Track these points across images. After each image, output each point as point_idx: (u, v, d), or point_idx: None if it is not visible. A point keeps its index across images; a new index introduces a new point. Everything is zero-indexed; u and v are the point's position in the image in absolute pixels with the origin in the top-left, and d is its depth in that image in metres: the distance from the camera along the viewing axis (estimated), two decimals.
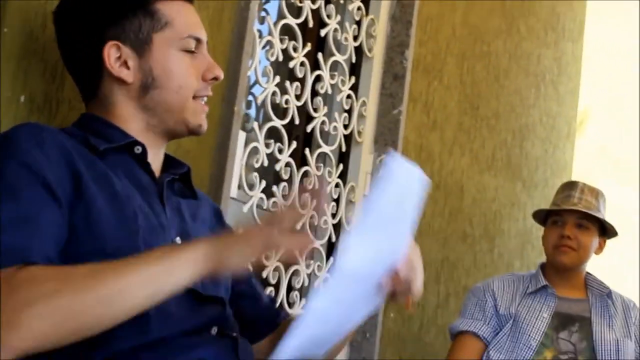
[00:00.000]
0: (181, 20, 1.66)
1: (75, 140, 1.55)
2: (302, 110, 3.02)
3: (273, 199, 2.84)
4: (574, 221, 3.05)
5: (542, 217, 3.19)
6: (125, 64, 1.63)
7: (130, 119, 1.65)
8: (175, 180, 1.71)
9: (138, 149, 1.62)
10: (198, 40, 1.68)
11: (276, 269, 2.86)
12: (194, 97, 1.67)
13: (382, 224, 1.46)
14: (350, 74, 3.28)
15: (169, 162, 1.73)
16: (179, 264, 1.36)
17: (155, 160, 1.68)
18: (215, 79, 1.69)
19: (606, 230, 3.10)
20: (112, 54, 1.63)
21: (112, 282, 1.32)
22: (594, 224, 3.07)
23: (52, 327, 1.28)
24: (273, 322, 1.85)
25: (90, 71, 1.65)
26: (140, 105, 1.65)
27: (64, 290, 1.29)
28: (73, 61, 1.70)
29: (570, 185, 3.14)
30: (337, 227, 3.24)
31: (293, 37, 2.94)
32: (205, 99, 1.70)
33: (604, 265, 3.66)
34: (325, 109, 3.12)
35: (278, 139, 2.89)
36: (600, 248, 3.12)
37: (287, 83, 2.92)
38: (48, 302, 1.28)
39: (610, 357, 2.96)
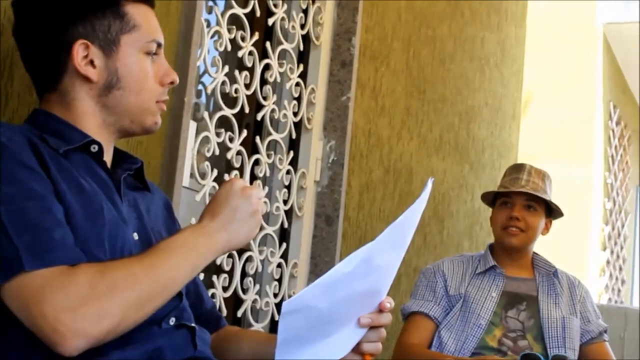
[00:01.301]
0: (147, 24, 1.69)
1: (36, 139, 1.56)
2: (252, 98, 3.04)
3: None
4: (522, 203, 3.11)
5: (490, 198, 3.24)
6: (91, 62, 1.65)
7: (87, 116, 1.66)
8: (129, 175, 1.73)
9: (94, 148, 1.63)
10: (159, 45, 1.72)
11: (229, 255, 2.88)
12: (156, 102, 1.71)
13: (399, 243, 1.58)
14: (299, 62, 3.31)
15: (120, 156, 1.75)
16: (205, 256, 1.53)
17: (108, 156, 1.70)
18: (172, 83, 1.73)
19: (552, 211, 3.17)
20: (80, 52, 1.64)
21: (165, 273, 1.46)
22: (541, 205, 3.13)
23: (126, 316, 1.40)
24: (215, 325, 1.89)
25: (53, 65, 1.66)
26: (100, 103, 1.66)
27: (138, 281, 1.41)
28: (34, 53, 1.69)
29: (518, 168, 3.19)
30: (289, 214, 3.27)
31: (241, 26, 2.95)
32: (164, 105, 1.74)
33: (551, 241, 3.73)
34: (275, 97, 3.14)
35: (229, 127, 2.90)
36: (546, 228, 3.18)
37: (236, 72, 2.93)
38: (123, 294, 1.39)
39: (557, 333, 3.03)
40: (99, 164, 1.64)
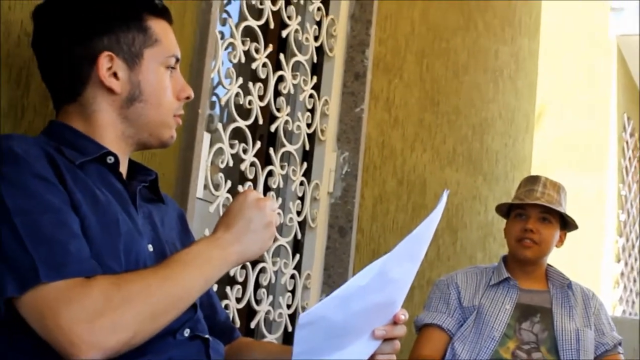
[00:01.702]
0: (167, 39, 1.72)
1: (52, 150, 1.57)
2: (266, 110, 3.05)
3: None
4: (536, 215, 3.10)
5: (505, 210, 3.24)
6: (115, 74, 1.66)
7: (107, 128, 1.67)
8: (144, 186, 1.74)
9: (110, 159, 1.64)
10: (177, 60, 1.74)
11: (243, 266, 2.89)
12: (174, 116, 1.73)
13: (414, 255, 1.58)
14: (312, 74, 3.32)
15: (135, 168, 1.76)
16: (219, 269, 1.54)
17: (123, 168, 1.71)
18: (188, 98, 1.75)
19: (567, 224, 3.16)
20: (105, 63, 1.65)
21: (180, 285, 1.48)
22: (556, 217, 3.12)
23: (142, 327, 1.42)
24: (229, 336, 1.89)
25: (76, 76, 1.67)
26: (121, 115, 1.68)
27: (152, 294, 1.43)
28: (55, 64, 1.70)
29: (533, 180, 3.19)
30: (302, 225, 3.27)
31: (255, 38, 2.96)
32: (180, 119, 1.76)
33: (564, 253, 3.73)
34: (289, 109, 3.15)
35: (242, 139, 2.91)
36: (560, 241, 3.18)
37: (250, 84, 2.94)
38: (138, 307, 1.41)
39: (571, 346, 3.03)
40: (115, 175, 1.65)
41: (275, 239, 3.05)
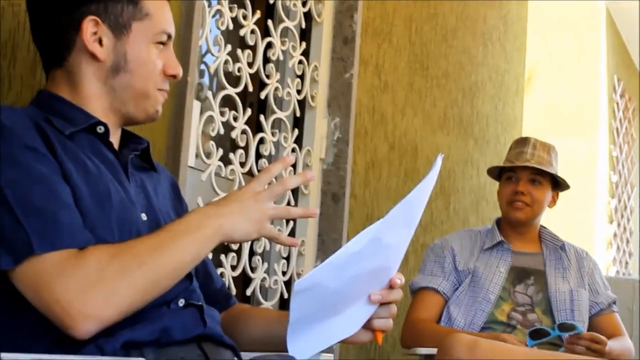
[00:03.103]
0: (159, 14, 1.69)
1: (42, 121, 1.56)
2: (255, 77, 3.03)
3: (230, 167, 2.86)
4: (527, 177, 3.10)
5: (496, 173, 3.24)
6: (100, 41, 1.65)
7: (93, 99, 1.66)
8: (136, 155, 1.73)
9: (100, 129, 1.63)
10: (169, 36, 1.71)
11: None
12: (158, 90, 1.70)
13: (408, 220, 1.57)
14: (301, 40, 3.30)
15: (127, 136, 1.75)
16: (204, 242, 1.51)
17: (114, 138, 1.69)
18: (174, 76, 1.72)
19: (558, 184, 3.16)
20: (90, 28, 1.64)
21: (173, 255, 1.47)
22: (547, 178, 3.12)
23: (135, 297, 1.42)
24: (225, 303, 1.89)
25: (62, 39, 1.65)
26: (107, 85, 1.66)
27: (144, 263, 1.42)
28: (45, 27, 1.68)
29: (523, 142, 3.18)
30: (295, 192, 3.27)
31: (242, 4, 2.94)
32: (165, 94, 1.74)
33: (557, 215, 3.73)
34: (278, 76, 3.14)
35: (232, 107, 2.90)
36: (553, 201, 3.18)
37: (239, 51, 2.92)
38: (132, 276, 1.41)
39: (565, 307, 3.04)
40: (106, 145, 1.64)
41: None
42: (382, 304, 1.63)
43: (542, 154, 3.11)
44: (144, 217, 1.62)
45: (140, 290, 1.42)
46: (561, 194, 3.22)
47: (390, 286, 1.61)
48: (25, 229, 1.39)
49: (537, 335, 2.87)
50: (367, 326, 1.64)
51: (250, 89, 2.97)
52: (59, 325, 1.37)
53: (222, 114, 2.82)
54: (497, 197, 3.22)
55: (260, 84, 3.09)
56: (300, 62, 3.27)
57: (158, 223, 1.63)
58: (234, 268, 2.88)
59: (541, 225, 3.21)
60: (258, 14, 2.99)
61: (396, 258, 1.60)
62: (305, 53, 3.34)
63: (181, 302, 1.60)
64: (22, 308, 1.43)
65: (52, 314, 1.38)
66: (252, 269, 3.01)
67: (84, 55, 1.65)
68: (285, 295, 3.21)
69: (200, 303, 1.64)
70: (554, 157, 3.14)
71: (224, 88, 2.85)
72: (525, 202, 3.09)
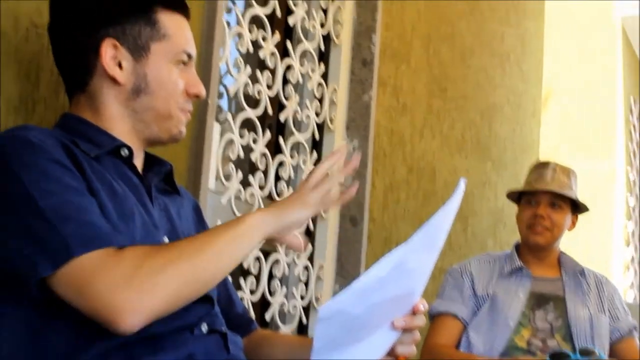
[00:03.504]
0: (179, 34, 1.68)
1: (68, 142, 1.56)
2: (274, 99, 3.02)
3: (250, 190, 2.84)
4: (547, 201, 3.09)
5: (516, 196, 3.22)
6: (119, 64, 1.64)
7: (116, 121, 1.65)
8: (159, 179, 1.72)
9: (125, 152, 1.62)
10: (189, 56, 1.70)
11: (257, 258, 2.86)
12: (180, 110, 1.69)
13: (432, 245, 1.55)
14: (320, 62, 3.28)
15: (150, 159, 1.74)
16: (250, 237, 1.51)
17: (138, 161, 1.69)
18: (197, 96, 1.71)
19: (578, 207, 3.14)
20: (109, 52, 1.63)
21: (210, 252, 1.46)
22: (567, 202, 3.10)
23: (178, 291, 1.41)
24: (247, 329, 1.87)
25: (83, 64, 1.65)
26: (128, 108, 1.65)
27: (182, 259, 1.42)
28: (66, 52, 1.69)
29: (543, 165, 3.17)
30: (314, 216, 3.24)
31: (261, 26, 2.93)
32: (188, 114, 1.73)
33: (574, 238, 3.70)
34: (297, 98, 3.12)
35: (252, 129, 2.88)
36: (572, 224, 3.16)
37: (258, 73, 2.91)
38: (175, 267, 1.40)
39: (585, 333, 3.01)
40: (130, 168, 1.63)
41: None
42: (406, 330, 1.61)
43: (562, 177, 3.09)
44: (166, 240, 1.61)
45: (184, 282, 1.41)
46: (580, 215, 3.20)
47: (414, 312, 1.59)
48: (63, 234, 1.38)
49: (557, 358, 2.83)
50: (391, 352, 1.62)
51: (270, 111, 2.96)
52: (104, 322, 1.37)
53: (241, 136, 2.80)
54: (515, 221, 3.19)
55: (279, 107, 3.08)
56: (319, 84, 3.26)
57: None
58: (252, 292, 2.86)
59: (561, 251, 3.18)
60: (277, 36, 2.97)
61: (420, 283, 1.58)
62: (324, 75, 3.32)
63: (204, 328, 1.58)
64: (61, 317, 1.42)
65: (95, 310, 1.37)
66: (271, 293, 2.98)
67: (105, 79, 1.64)
68: (304, 320, 3.18)
69: (224, 330, 1.63)
70: (573, 180, 3.12)
71: (243, 110, 2.84)
72: (545, 226, 3.07)
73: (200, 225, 1.82)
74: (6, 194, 1.44)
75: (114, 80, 1.64)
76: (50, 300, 1.41)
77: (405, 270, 1.49)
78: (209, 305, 1.62)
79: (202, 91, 1.71)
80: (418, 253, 1.51)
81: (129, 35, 1.64)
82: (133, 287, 1.36)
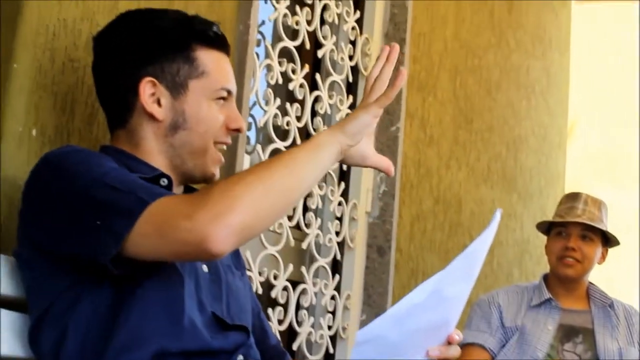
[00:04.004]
0: (218, 71, 1.71)
1: None
2: (302, 131, 3.04)
3: (278, 221, 2.86)
4: (578, 233, 3.08)
5: (546, 227, 3.22)
6: (158, 101, 1.67)
7: (154, 155, 1.69)
8: None
9: (164, 182, 1.65)
10: (229, 92, 1.73)
11: (285, 288, 2.88)
12: (215, 143, 1.72)
13: (468, 274, 1.57)
14: (348, 93, 3.31)
15: (189, 191, 1.77)
16: (324, 151, 1.56)
17: (177, 192, 1.71)
18: (238, 130, 1.74)
19: (608, 240, 3.13)
20: (147, 89, 1.67)
21: (288, 174, 1.48)
22: (597, 234, 3.10)
23: (261, 206, 1.43)
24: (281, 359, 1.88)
25: (123, 102, 1.69)
26: (166, 143, 1.69)
27: (255, 174, 1.45)
28: (107, 89, 1.73)
29: (574, 197, 3.16)
30: (341, 245, 3.26)
31: (291, 59, 2.96)
32: (225, 147, 1.75)
33: (600, 269, 3.69)
34: (325, 129, 3.14)
35: None
36: (602, 257, 3.15)
37: (288, 105, 2.94)
38: (252, 185, 1.42)
39: None
40: None
41: (314, 260, 3.04)
42: None
43: (593, 209, 3.09)
44: (205, 268, 1.64)
45: (262, 193, 1.42)
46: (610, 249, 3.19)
47: (449, 342, 1.60)
48: (132, 193, 1.44)
49: None
50: None
51: (299, 142, 2.98)
52: (195, 249, 1.39)
53: None
54: (545, 252, 3.19)
55: (307, 137, 3.10)
56: (347, 115, 3.28)
57: (219, 275, 1.66)
58: (280, 322, 2.87)
59: (590, 282, 3.17)
60: (307, 68, 3.01)
61: (455, 313, 1.60)
62: (352, 107, 3.34)
63: (240, 358, 1.60)
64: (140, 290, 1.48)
65: (182, 245, 1.40)
66: (299, 323, 3.00)
67: (144, 116, 1.68)
68: (331, 350, 3.19)
69: None
70: (604, 213, 3.12)
71: (272, 141, 2.86)
72: (575, 258, 3.06)
73: (235, 258, 1.83)
74: (64, 189, 1.49)
75: (152, 117, 1.67)
76: (127, 282, 1.46)
77: (442, 298, 1.51)
78: (245, 335, 1.63)
79: (243, 125, 1.74)
80: (454, 282, 1.53)
81: (167, 74, 1.67)
82: (208, 208, 1.37)
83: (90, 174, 1.48)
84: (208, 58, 1.70)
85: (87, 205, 1.45)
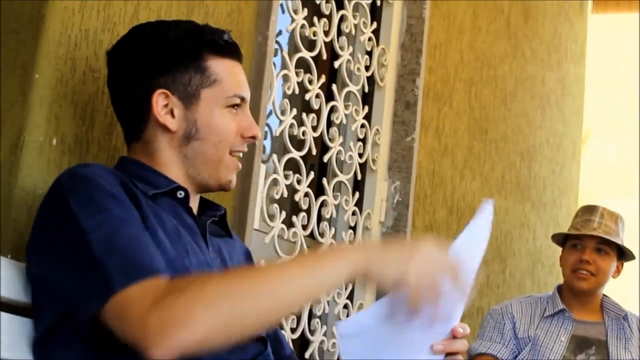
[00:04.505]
0: (230, 79, 1.71)
1: (127, 181, 1.60)
2: (318, 140, 3.06)
3: (293, 229, 2.88)
4: (593, 246, 3.08)
5: (561, 239, 3.22)
6: (171, 112, 1.68)
7: (171, 166, 1.70)
8: (214, 221, 1.75)
9: (181, 194, 1.66)
10: (242, 99, 1.73)
11: None
12: (230, 152, 1.72)
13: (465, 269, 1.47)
14: (363, 104, 3.33)
15: (204, 203, 1.78)
16: (331, 271, 1.36)
17: (193, 204, 1.73)
18: (254, 137, 1.74)
19: (624, 254, 3.13)
20: (160, 101, 1.68)
21: (269, 290, 1.34)
22: (613, 248, 3.09)
23: (218, 327, 1.32)
24: None
25: (137, 114, 1.70)
26: (180, 154, 1.70)
27: (228, 294, 1.33)
28: (121, 102, 1.75)
29: (590, 210, 3.16)
30: None
31: (307, 69, 2.98)
32: (240, 154, 1.75)
33: (613, 280, 3.69)
34: (341, 139, 3.16)
35: (295, 169, 2.92)
36: (617, 271, 3.15)
37: (304, 115, 2.96)
38: (217, 303, 1.31)
39: None
40: (185, 209, 1.67)
41: None
42: (448, 355, 1.57)
43: (610, 223, 3.09)
44: None
45: (230, 317, 1.32)
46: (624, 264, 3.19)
47: (453, 336, 1.54)
48: (107, 271, 1.38)
49: None
50: None
51: (314, 152, 3.00)
52: (139, 350, 1.32)
53: (286, 177, 2.85)
54: (559, 263, 3.19)
55: (322, 147, 3.12)
56: (362, 125, 3.30)
57: None
58: (293, 330, 2.88)
59: (604, 294, 3.17)
60: (323, 79, 3.02)
61: (456, 306, 1.53)
62: (367, 117, 3.36)
63: None
64: (114, 354, 1.42)
65: (131, 338, 1.33)
66: (311, 332, 3.01)
67: (158, 127, 1.69)
68: None
69: None
70: (620, 226, 3.12)
71: (288, 151, 2.88)
72: (590, 272, 3.06)
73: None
74: (62, 229, 1.47)
75: (166, 128, 1.68)
76: (106, 334, 1.41)
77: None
78: (262, 345, 1.64)
79: (258, 133, 1.74)
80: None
81: (179, 84, 1.68)
82: (164, 317, 1.30)
83: (83, 223, 1.44)
84: (220, 66, 1.71)
85: (71, 261, 1.44)
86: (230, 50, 1.74)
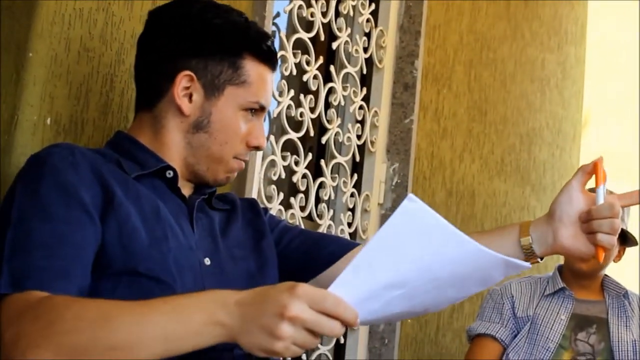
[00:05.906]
0: (258, 85, 1.70)
1: (108, 162, 1.59)
2: (315, 121, 3.05)
3: (291, 211, 2.87)
4: None
5: None
6: (189, 96, 1.68)
7: (172, 147, 1.69)
8: (204, 199, 1.74)
9: (169, 174, 1.65)
10: (262, 108, 1.72)
11: None
12: (233, 157, 1.71)
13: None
14: (362, 85, 3.32)
15: (197, 192, 1.76)
16: (194, 328, 1.27)
17: (185, 189, 1.71)
18: (257, 148, 1.73)
19: (627, 239, 3.11)
20: (184, 82, 1.67)
21: (126, 333, 1.29)
22: None
23: (67, 355, 1.29)
24: (347, 245, 1.80)
25: (157, 87, 1.69)
26: (185, 139, 1.69)
27: (82, 331, 1.30)
28: (145, 68, 1.73)
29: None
30: (353, 236, 3.27)
31: (305, 50, 2.97)
32: (243, 163, 1.74)
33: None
34: (339, 120, 3.15)
35: (293, 151, 2.92)
36: (619, 256, 3.13)
37: (301, 96, 2.95)
38: (69, 336, 1.30)
39: (628, 357, 2.98)
40: (173, 189, 1.66)
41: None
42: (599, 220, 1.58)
43: None
44: (207, 261, 1.62)
45: (73, 351, 1.28)
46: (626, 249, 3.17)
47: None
48: (2, 267, 1.39)
49: None
50: (591, 240, 1.60)
51: (312, 133, 2.99)
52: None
53: (283, 158, 2.84)
54: None
55: (320, 129, 3.11)
56: (360, 107, 3.29)
57: (222, 268, 1.64)
58: None
59: (605, 275, 3.16)
60: (321, 60, 3.01)
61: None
62: (366, 98, 3.36)
63: (240, 353, 1.57)
64: None
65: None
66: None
67: (172, 106, 1.68)
68: (342, 340, 3.20)
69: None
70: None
71: (286, 132, 2.87)
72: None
73: (256, 220, 1.81)
74: (2, 209, 1.48)
75: (179, 110, 1.67)
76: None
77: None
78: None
79: (263, 144, 1.73)
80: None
81: (208, 72, 1.67)
82: (20, 334, 1.31)
83: (13, 212, 1.44)
84: (254, 70, 1.69)
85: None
86: (269, 58, 1.73)
